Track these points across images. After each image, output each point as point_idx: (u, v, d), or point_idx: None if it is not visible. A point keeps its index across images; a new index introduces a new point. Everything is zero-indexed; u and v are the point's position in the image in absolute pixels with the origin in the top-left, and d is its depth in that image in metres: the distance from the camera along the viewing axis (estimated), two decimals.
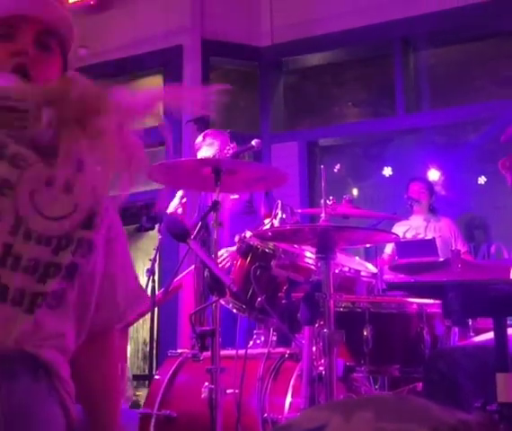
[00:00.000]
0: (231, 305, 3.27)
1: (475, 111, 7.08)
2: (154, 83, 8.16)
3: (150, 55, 7.79)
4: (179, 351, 3.39)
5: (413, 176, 6.24)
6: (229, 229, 4.40)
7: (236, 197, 4.66)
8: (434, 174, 6.65)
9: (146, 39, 7.72)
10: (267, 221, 4.53)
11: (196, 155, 4.69)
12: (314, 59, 7.99)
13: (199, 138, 4.79)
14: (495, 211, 7.14)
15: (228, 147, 4.42)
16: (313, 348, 2.63)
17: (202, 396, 2.65)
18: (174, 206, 4.47)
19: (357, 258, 3.79)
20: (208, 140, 4.70)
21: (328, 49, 7.70)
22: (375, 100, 7.90)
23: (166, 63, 7.85)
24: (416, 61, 7.60)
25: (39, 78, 1.52)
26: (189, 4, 7.75)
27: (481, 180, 7.58)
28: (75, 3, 7.69)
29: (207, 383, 2.65)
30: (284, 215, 3.30)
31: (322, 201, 3.24)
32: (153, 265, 4.41)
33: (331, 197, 3.53)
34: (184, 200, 4.47)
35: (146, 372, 6.40)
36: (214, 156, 4.48)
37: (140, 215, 7.95)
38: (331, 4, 7.38)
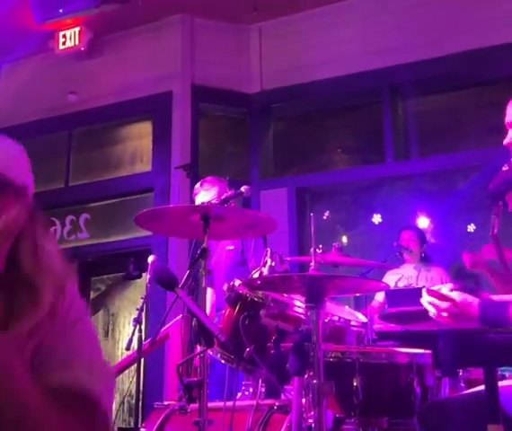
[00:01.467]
0: (219, 356, 3.22)
1: (464, 159, 7.12)
2: (143, 128, 8.17)
3: (139, 101, 7.81)
4: (165, 403, 3.33)
5: (405, 224, 6.22)
6: (225, 280, 4.34)
7: (232, 247, 4.63)
8: (423, 222, 6.64)
9: (136, 85, 7.76)
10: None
11: (194, 202, 4.66)
12: (304, 106, 8.04)
13: (197, 185, 4.77)
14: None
15: (226, 194, 4.35)
16: (303, 400, 2.58)
17: None
18: None
19: (346, 307, 3.75)
20: (206, 186, 4.68)
21: (317, 96, 7.74)
22: (363, 147, 7.93)
23: (155, 109, 7.87)
24: (404, 108, 7.64)
25: None
26: (179, 51, 7.81)
27: (471, 227, 7.58)
28: (64, 49, 7.72)
29: None
30: (273, 263, 3.27)
31: (312, 249, 3.20)
32: (140, 314, 4.34)
33: (320, 245, 3.49)
34: None
35: (132, 425, 6.29)
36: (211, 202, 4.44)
37: (127, 262, 7.89)
38: (321, 51, 7.45)
